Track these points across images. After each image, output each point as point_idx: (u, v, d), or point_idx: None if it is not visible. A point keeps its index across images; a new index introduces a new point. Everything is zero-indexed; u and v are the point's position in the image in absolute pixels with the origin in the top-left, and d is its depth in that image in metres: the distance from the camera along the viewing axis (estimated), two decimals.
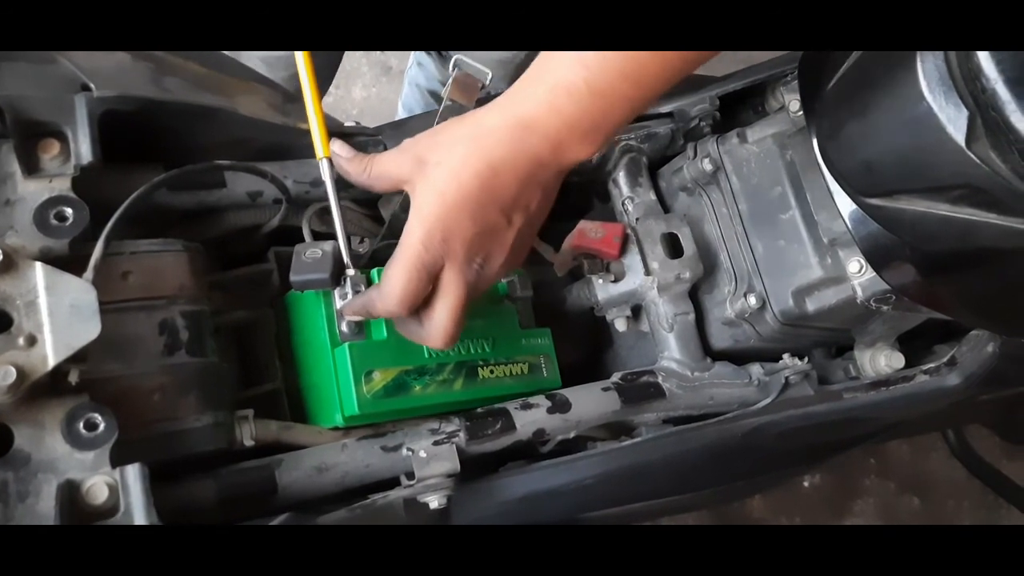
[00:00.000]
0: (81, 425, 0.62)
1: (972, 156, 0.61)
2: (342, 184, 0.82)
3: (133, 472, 0.61)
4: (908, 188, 0.67)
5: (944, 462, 2.04)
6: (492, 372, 0.80)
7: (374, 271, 0.77)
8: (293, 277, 0.73)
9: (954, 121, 0.61)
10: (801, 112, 0.81)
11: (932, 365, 0.88)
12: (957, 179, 0.63)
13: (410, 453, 0.75)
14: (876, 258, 0.74)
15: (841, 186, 0.72)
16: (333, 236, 0.78)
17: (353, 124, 0.89)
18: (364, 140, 0.85)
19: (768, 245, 0.85)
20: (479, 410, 0.79)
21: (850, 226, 0.74)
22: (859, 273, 0.79)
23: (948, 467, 2.02)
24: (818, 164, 0.75)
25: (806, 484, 2.07)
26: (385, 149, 0.85)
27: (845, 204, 0.74)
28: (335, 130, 0.85)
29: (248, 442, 0.71)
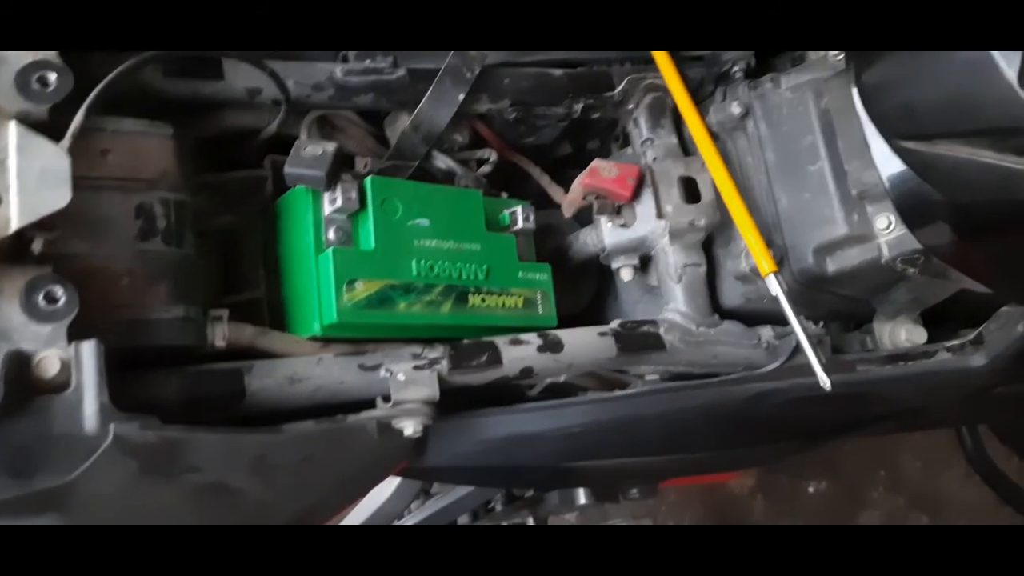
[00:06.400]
0: (40, 296, 0.59)
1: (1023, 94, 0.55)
2: (345, 94, 0.79)
3: (88, 349, 0.57)
4: (950, 131, 0.62)
5: (959, 482, 1.96)
6: (484, 300, 0.75)
7: (367, 179, 0.73)
8: (288, 169, 0.70)
9: (1008, 57, 0.56)
10: (841, 57, 0.76)
11: (956, 342, 0.82)
12: (1004, 121, 0.58)
13: (388, 375, 0.71)
14: (909, 212, 0.69)
15: (878, 128, 0.67)
16: None
17: None
18: None
19: (793, 197, 0.79)
20: (465, 341, 0.75)
21: (884, 176, 0.69)
22: (887, 230, 0.73)
23: (963, 488, 1.95)
24: (855, 109, 0.70)
25: (811, 490, 2.01)
26: None
27: (881, 152, 0.69)
28: None
29: (219, 343, 0.68)
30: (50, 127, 0.62)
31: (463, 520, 1.15)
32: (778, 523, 1.95)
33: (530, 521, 1.24)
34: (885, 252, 0.74)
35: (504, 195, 0.91)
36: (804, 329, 0.74)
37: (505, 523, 1.24)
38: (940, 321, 0.90)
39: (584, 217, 0.89)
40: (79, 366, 0.57)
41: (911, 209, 0.68)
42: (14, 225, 0.57)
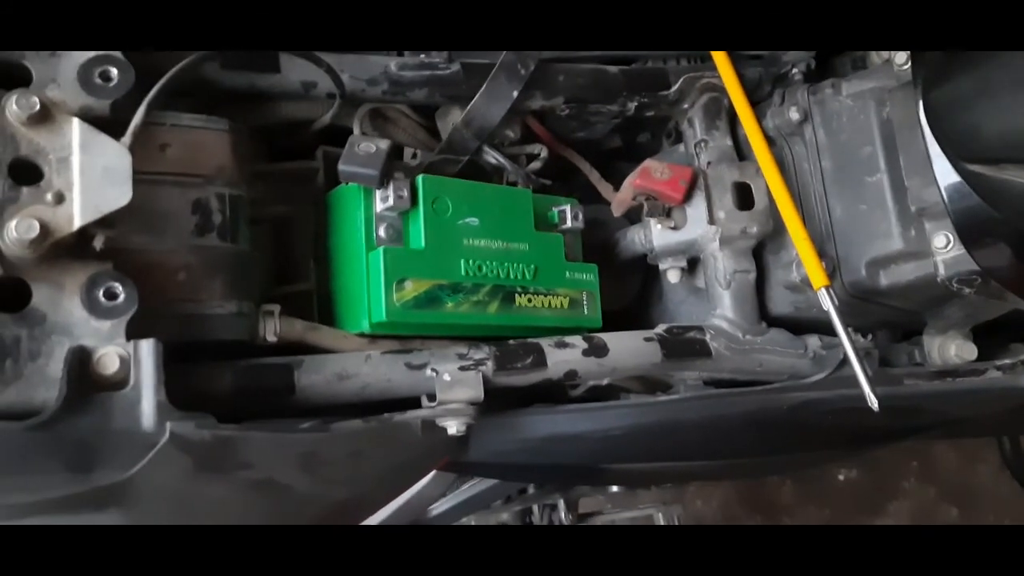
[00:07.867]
0: (101, 293, 0.60)
1: None
2: (399, 88, 0.78)
3: (147, 347, 0.59)
4: (1018, 156, 0.60)
5: (992, 475, 1.94)
6: (530, 301, 0.75)
7: (419, 178, 0.73)
8: (342, 166, 0.70)
9: None
10: (908, 65, 0.74)
11: (1007, 361, 0.81)
12: None
13: (434, 374, 0.71)
14: (969, 233, 0.67)
15: (942, 148, 0.65)
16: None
17: None
18: None
19: (848, 208, 0.78)
20: (511, 342, 0.75)
21: (945, 195, 0.67)
22: (945, 248, 0.72)
23: (996, 481, 1.93)
24: (919, 123, 0.68)
25: (841, 477, 2.01)
26: None
27: (944, 171, 0.67)
28: None
29: (271, 338, 0.69)
30: (111, 122, 0.63)
31: (497, 502, 1.17)
32: (806, 508, 1.95)
33: (561, 503, 1.25)
34: (941, 271, 0.72)
35: (547, 182, 0.90)
36: (853, 344, 0.73)
37: (536, 505, 1.26)
38: (991, 333, 0.88)
39: (633, 213, 0.88)
40: (138, 364, 0.58)
41: (972, 230, 0.66)
42: (77, 223, 0.58)
